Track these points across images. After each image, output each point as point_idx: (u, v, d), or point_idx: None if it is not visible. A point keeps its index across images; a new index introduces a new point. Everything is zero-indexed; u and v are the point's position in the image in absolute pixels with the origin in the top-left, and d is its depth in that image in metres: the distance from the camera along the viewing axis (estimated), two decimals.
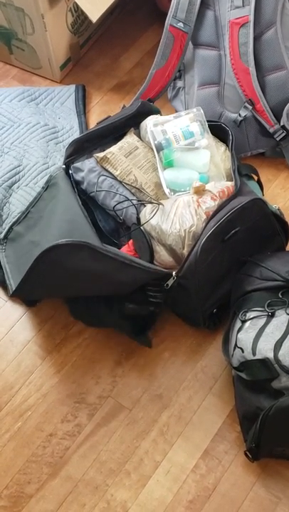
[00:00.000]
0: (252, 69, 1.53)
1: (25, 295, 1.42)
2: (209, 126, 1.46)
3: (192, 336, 1.42)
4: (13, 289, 1.34)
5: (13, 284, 1.36)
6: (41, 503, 1.24)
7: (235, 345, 1.27)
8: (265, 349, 1.18)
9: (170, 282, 1.30)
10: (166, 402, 1.35)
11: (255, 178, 1.52)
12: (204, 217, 1.31)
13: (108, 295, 1.37)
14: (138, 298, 1.34)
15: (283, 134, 1.58)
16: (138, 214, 1.39)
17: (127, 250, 1.39)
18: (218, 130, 1.49)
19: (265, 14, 1.51)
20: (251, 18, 1.50)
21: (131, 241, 1.40)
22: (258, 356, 1.19)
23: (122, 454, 1.29)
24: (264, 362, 1.17)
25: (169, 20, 1.55)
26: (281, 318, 1.24)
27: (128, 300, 1.34)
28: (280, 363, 1.15)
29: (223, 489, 1.25)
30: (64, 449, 1.30)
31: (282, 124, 1.57)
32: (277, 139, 1.60)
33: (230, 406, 1.33)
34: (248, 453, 1.24)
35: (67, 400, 1.35)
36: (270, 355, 1.17)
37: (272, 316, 1.25)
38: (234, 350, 1.27)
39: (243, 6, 1.50)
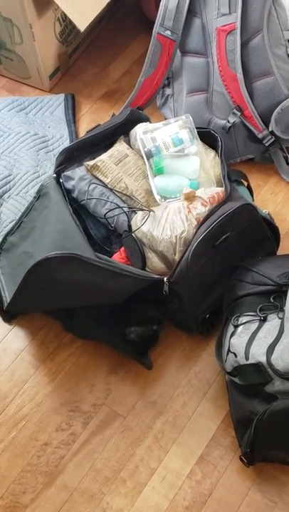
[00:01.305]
0: (240, 75, 1.56)
1: (20, 308, 1.43)
2: (198, 132, 1.49)
3: (185, 341, 1.44)
4: (8, 300, 1.35)
5: (7, 295, 1.37)
6: None
7: (229, 350, 1.28)
8: (258, 353, 1.20)
9: (167, 290, 1.31)
10: (161, 409, 1.36)
11: (245, 183, 1.54)
12: (195, 223, 1.33)
13: (102, 304, 1.38)
14: (138, 318, 1.36)
15: (272, 140, 1.61)
16: (129, 221, 1.41)
17: (118, 258, 1.41)
18: (207, 137, 1.51)
19: (252, 21, 1.53)
20: (238, 25, 1.52)
21: (122, 248, 1.42)
22: (250, 361, 1.20)
23: (117, 462, 1.30)
24: (257, 366, 1.18)
25: (156, 28, 1.58)
26: (273, 322, 1.25)
27: (129, 323, 1.35)
28: (272, 367, 1.16)
29: (219, 495, 1.26)
30: (59, 458, 1.30)
31: (270, 129, 1.59)
32: (266, 145, 1.62)
33: (224, 411, 1.34)
34: (243, 458, 1.25)
35: (62, 409, 1.36)
36: (263, 359, 1.18)
37: (264, 320, 1.27)
38: (227, 355, 1.28)
39: (230, 13, 1.53)
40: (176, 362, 1.42)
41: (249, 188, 1.54)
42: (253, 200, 1.54)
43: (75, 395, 1.38)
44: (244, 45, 1.55)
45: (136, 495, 1.26)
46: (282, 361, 1.15)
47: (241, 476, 1.28)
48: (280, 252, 1.46)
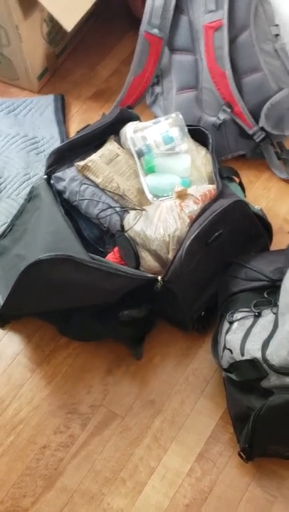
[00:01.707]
0: (228, 72, 1.57)
1: (14, 311, 1.43)
2: (189, 130, 1.49)
3: (181, 339, 1.45)
4: (1, 303, 1.36)
5: (1, 299, 1.38)
6: None
7: (224, 346, 1.29)
8: (253, 349, 1.21)
9: (158, 286, 1.32)
10: (159, 408, 1.36)
11: (237, 180, 1.55)
12: (188, 221, 1.34)
13: (97, 304, 1.38)
14: (130, 302, 1.36)
15: (263, 135, 1.62)
16: (122, 221, 1.41)
17: (112, 258, 1.41)
18: (198, 134, 1.52)
19: (239, 17, 1.54)
20: (225, 21, 1.53)
21: (116, 248, 1.42)
22: (246, 356, 1.21)
23: (116, 462, 1.30)
24: (252, 362, 1.19)
25: (143, 26, 1.59)
26: (268, 317, 1.26)
27: (122, 308, 1.35)
28: (268, 362, 1.17)
29: (219, 491, 1.27)
30: (58, 461, 1.31)
31: (260, 125, 1.60)
32: (257, 141, 1.63)
33: (222, 408, 1.35)
34: (241, 453, 1.26)
35: (59, 412, 1.36)
36: (258, 354, 1.19)
37: (258, 315, 1.28)
38: (223, 351, 1.29)
39: (217, 9, 1.54)
40: (172, 360, 1.42)
41: (241, 184, 1.55)
42: (245, 197, 1.55)
43: (72, 397, 1.38)
44: (232, 41, 1.56)
45: (136, 494, 1.27)
46: (277, 356, 1.16)
47: (240, 472, 1.28)
48: (273, 248, 1.47)
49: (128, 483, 1.28)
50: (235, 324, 1.30)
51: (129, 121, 1.52)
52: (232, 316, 1.31)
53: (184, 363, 1.42)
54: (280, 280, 1.28)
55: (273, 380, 1.17)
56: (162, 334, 1.45)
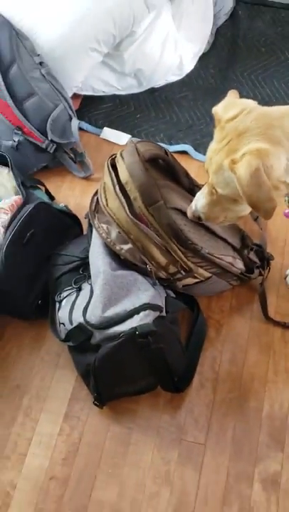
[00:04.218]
0: (10, 101, 1.64)
1: None
2: None
3: (30, 329, 1.50)
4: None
5: None
6: None
7: (59, 322, 1.38)
8: (77, 316, 1.30)
9: None
10: (24, 389, 1.41)
11: (43, 188, 1.63)
12: (2, 230, 1.40)
13: None
14: None
15: (54, 146, 1.70)
16: None
17: None
18: None
19: (4, 55, 1.62)
20: None
21: None
22: (74, 324, 1.31)
23: None
24: (79, 327, 1.29)
25: None
26: (86, 289, 1.37)
27: None
28: (89, 323, 1.27)
29: (87, 439, 1.35)
30: None
31: (50, 138, 1.69)
32: (51, 152, 1.71)
33: (75, 372, 1.42)
34: (96, 402, 1.35)
35: None
36: (81, 319, 1.29)
37: (80, 289, 1.38)
38: (59, 327, 1.38)
39: None
40: (27, 348, 1.47)
41: (47, 190, 1.63)
42: (54, 199, 1.64)
43: None
44: (5, 76, 1.63)
45: (20, 464, 1.32)
46: (94, 316, 1.26)
47: (100, 418, 1.37)
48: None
49: (12, 458, 1.33)
50: (64, 301, 1.39)
51: None
52: (59, 296, 1.40)
53: (37, 347, 1.48)
54: (87, 256, 1.39)
55: (98, 336, 1.27)
56: (14, 329, 1.49)
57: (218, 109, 1.07)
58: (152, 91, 1.97)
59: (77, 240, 1.50)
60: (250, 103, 1.06)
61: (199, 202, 1.15)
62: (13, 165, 1.55)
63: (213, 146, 1.06)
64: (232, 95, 1.10)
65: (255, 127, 0.99)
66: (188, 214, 1.20)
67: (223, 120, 1.04)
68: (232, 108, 1.04)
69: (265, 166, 0.96)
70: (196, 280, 1.38)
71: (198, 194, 1.16)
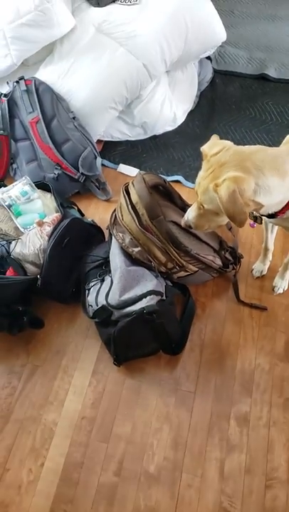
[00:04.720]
0: (52, 146, 1.63)
1: None
2: (37, 184, 1.55)
3: (67, 309, 1.46)
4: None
5: None
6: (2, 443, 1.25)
7: (88, 304, 1.35)
8: (101, 300, 1.29)
9: (39, 283, 1.35)
10: (63, 354, 1.39)
11: (76, 207, 1.61)
12: (46, 238, 1.39)
13: None
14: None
15: (84, 178, 1.68)
16: (8, 249, 1.43)
17: (10, 273, 1.42)
18: (43, 185, 1.58)
19: (47, 112, 1.61)
20: (40, 117, 1.60)
21: (11, 267, 1.43)
22: (99, 305, 1.29)
23: (44, 394, 1.32)
24: (103, 307, 1.27)
25: None
26: (108, 280, 1.35)
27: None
28: (110, 305, 1.25)
29: (109, 389, 1.33)
30: (8, 404, 1.31)
31: (80, 171, 1.67)
32: (81, 181, 1.69)
33: (100, 341, 1.40)
34: (115, 362, 1.32)
35: (2, 374, 1.35)
36: (104, 302, 1.27)
37: (103, 280, 1.36)
38: (88, 308, 1.36)
39: (33, 111, 1.60)
40: (64, 323, 1.44)
41: (79, 209, 1.61)
42: (84, 215, 1.62)
43: (7, 363, 1.37)
44: (48, 127, 1.62)
45: (61, 407, 1.30)
46: (113, 300, 1.25)
47: (119, 374, 1.35)
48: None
49: (54, 403, 1.31)
50: (91, 289, 1.37)
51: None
52: (88, 285, 1.38)
53: (72, 322, 1.45)
54: (108, 256, 1.37)
55: (116, 315, 1.26)
56: (55, 310, 1.46)
57: (205, 148, 1.05)
58: (154, 137, 1.94)
59: (101, 244, 1.49)
60: (229, 143, 1.03)
61: (190, 214, 1.12)
62: (54, 191, 1.54)
63: (201, 173, 1.04)
64: (214, 138, 1.08)
65: (233, 160, 0.97)
66: (182, 223, 1.17)
67: (208, 155, 1.02)
68: (215, 146, 1.02)
69: (239, 189, 0.94)
70: (187, 273, 1.36)
71: (189, 209, 1.14)
